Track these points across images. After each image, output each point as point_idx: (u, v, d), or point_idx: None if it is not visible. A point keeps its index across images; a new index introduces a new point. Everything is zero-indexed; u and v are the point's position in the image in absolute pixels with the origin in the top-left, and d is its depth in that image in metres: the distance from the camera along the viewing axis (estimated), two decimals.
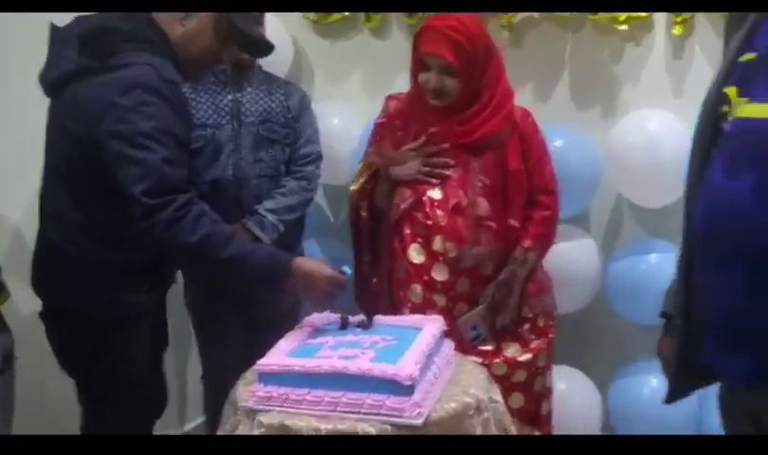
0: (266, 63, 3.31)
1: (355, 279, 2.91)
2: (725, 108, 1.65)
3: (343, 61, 3.69)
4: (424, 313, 2.60)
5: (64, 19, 2.41)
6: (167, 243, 2.22)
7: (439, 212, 2.70)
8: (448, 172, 2.71)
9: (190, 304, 3.21)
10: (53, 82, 2.34)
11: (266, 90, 3.08)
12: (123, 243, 2.35)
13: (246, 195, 3.00)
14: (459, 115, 2.70)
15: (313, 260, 2.39)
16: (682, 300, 1.78)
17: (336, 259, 3.57)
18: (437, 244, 2.70)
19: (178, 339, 3.34)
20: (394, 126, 2.83)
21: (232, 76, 3.02)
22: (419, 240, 2.73)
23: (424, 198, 2.72)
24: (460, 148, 2.71)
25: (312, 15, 3.63)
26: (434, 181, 2.71)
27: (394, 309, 2.74)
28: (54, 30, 2.37)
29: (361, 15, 3.55)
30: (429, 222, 2.70)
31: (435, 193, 2.72)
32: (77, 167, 2.31)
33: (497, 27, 3.33)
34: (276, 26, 3.61)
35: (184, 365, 3.72)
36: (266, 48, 2.58)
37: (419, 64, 2.70)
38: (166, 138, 2.23)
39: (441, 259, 2.69)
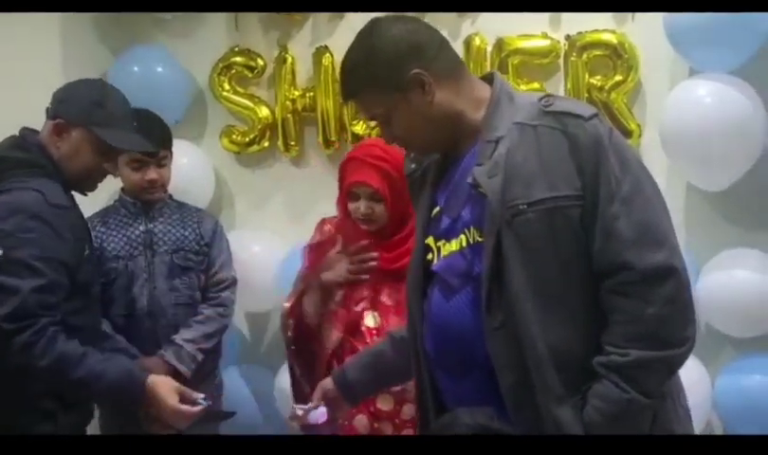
0: (189, 191, 3.39)
1: (293, 399, 2.89)
2: (430, 255, 1.97)
3: (264, 189, 3.77)
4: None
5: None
6: (22, 366, 2.27)
7: (378, 341, 2.67)
8: (374, 264, 2.72)
9: None
10: None
11: (179, 219, 3.13)
12: None
13: (162, 325, 3.02)
14: (387, 241, 2.76)
15: (167, 384, 2.37)
16: (418, 408, 2.07)
17: (260, 385, 3.62)
18: None
19: None
20: (325, 249, 2.87)
21: (143, 207, 3.07)
22: None
23: (362, 328, 2.73)
24: (390, 274, 2.74)
25: (233, 146, 3.72)
26: (364, 277, 2.72)
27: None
28: None
29: (281, 145, 3.65)
30: None
31: (370, 321, 2.73)
32: None
33: None
34: (198, 157, 3.70)
35: None
36: (161, 140, 2.69)
37: (346, 194, 2.78)
38: (43, 265, 2.28)
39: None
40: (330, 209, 3.63)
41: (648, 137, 3.18)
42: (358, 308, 2.74)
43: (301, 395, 2.86)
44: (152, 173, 3.01)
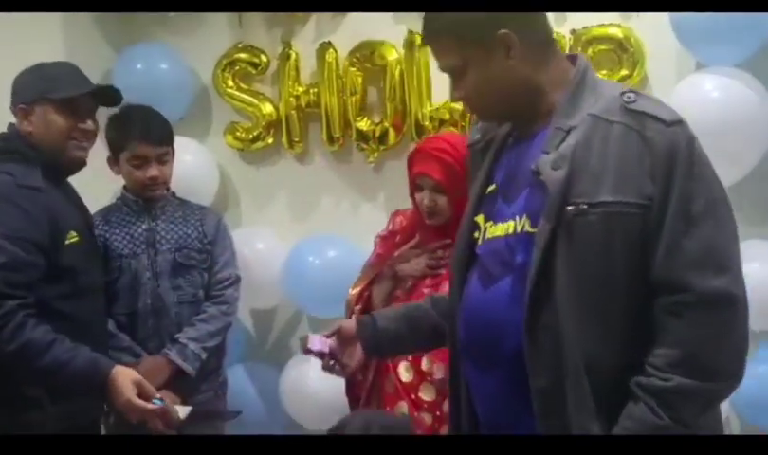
0: (193, 189, 3.37)
1: (346, 388, 2.91)
2: (476, 234, 1.89)
3: (268, 186, 3.76)
4: None
5: None
6: None
7: None
8: None
9: None
10: None
11: (181, 217, 3.11)
12: None
13: (165, 324, 3.00)
14: (451, 237, 2.75)
15: (128, 376, 2.35)
16: (451, 395, 2.01)
17: (265, 383, 3.61)
18: (425, 364, 2.70)
19: None
20: (395, 240, 2.89)
21: (145, 205, 3.06)
22: (409, 359, 2.73)
23: None
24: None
25: (237, 143, 3.71)
26: (443, 272, 2.71)
27: None
28: None
29: (285, 142, 3.64)
30: None
31: None
32: None
33: None
34: (202, 154, 3.70)
35: None
36: (113, 92, 2.69)
37: (414, 185, 2.78)
38: (8, 243, 2.33)
39: (428, 379, 2.71)
40: (334, 205, 3.66)
41: None
42: (418, 297, 2.72)
43: (354, 382, 2.88)
44: (153, 171, 3.00)
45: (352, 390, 2.90)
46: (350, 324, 2.22)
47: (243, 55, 3.67)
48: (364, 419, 1.69)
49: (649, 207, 1.68)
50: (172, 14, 3.69)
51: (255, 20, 3.67)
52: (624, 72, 3.14)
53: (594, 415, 1.70)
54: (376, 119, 3.51)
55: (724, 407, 3.04)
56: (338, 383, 3.31)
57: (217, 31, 3.72)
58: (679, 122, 1.73)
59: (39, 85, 2.54)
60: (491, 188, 1.89)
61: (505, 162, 1.89)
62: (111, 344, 2.81)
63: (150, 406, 2.34)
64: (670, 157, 1.69)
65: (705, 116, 2.90)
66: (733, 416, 3.18)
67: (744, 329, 1.71)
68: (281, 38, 3.64)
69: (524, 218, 1.78)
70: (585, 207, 1.69)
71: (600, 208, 1.69)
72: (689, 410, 1.68)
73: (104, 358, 2.41)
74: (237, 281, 3.17)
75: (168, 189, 3.13)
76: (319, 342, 2.17)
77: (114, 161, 3.04)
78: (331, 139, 3.56)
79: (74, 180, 2.70)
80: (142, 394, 2.35)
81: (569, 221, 1.69)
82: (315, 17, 3.60)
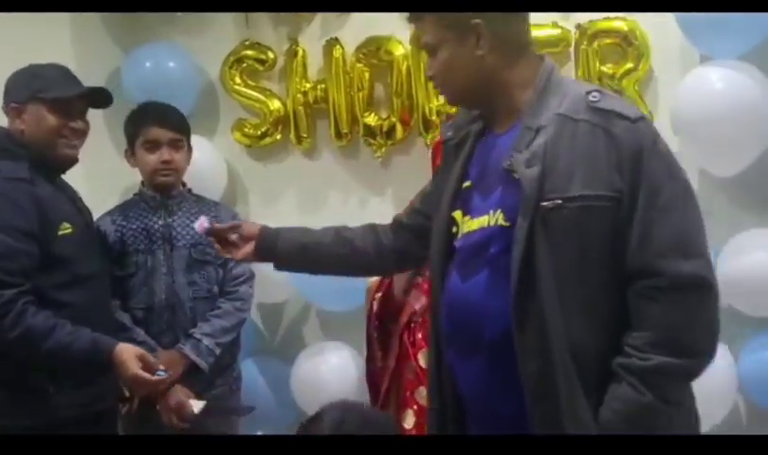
0: (201, 185, 3.39)
1: (366, 373, 3.00)
2: (454, 229, 1.99)
3: (277, 182, 3.79)
4: None
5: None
6: None
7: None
8: None
9: None
10: None
11: (197, 212, 3.09)
12: None
13: (180, 319, 3.02)
14: None
15: (131, 351, 2.47)
16: (434, 385, 2.07)
17: (275, 377, 3.64)
18: None
19: None
20: None
21: (162, 201, 3.08)
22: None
23: None
24: None
25: (245, 139, 3.74)
26: None
27: (400, 407, 2.82)
28: None
29: (293, 138, 3.66)
30: None
31: None
32: None
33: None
34: (210, 150, 3.72)
35: None
36: (105, 94, 2.77)
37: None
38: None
39: None
40: (342, 200, 3.68)
41: (658, 124, 3.16)
42: None
43: (375, 370, 2.92)
44: (165, 154, 3.03)
45: (372, 377, 2.95)
46: (251, 229, 2.34)
47: (250, 52, 3.69)
48: (341, 411, 1.73)
49: (619, 199, 1.79)
50: (179, 14, 3.72)
51: (262, 18, 3.69)
52: (629, 65, 3.18)
53: (582, 396, 1.79)
54: (384, 115, 3.54)
55: (732, 392, 3.09)
56: (350, 375, 3.39)
57: (224, 31, 3.74)
58: (642, 119, 1.85)
59: (32, 85, 2.61)
60: (466, 184, 1.99)
61: (479, 159, 1.99)
62: (126, 338, 2.83)
63: (155, 378, 2.46)
64: (637, 152, 1.79)
65: (710, 107, 2.94)
66: (742, 404, 3.21)
67: (715, 310, 1.81)
68: (287, 35, 3.66)
69: (498, 212, 1.88)
70: (559, 202, 1.80)
71: (573, 202, 1.79)
72: (671, 388, 1.78)
73: (106, 337, 2.50)
74: (251, 277, 3.19)
75: (184, 184, 3.16)
76: (199, 225, 2.37)
77: (131, 153, 3.08)
78: (339, 135, 3.59)
79: (81, 180, 2.76)
80: (146, 368, 2.46)
81: (544, 215, 1.80)
82: (320, 14, 3.62)
